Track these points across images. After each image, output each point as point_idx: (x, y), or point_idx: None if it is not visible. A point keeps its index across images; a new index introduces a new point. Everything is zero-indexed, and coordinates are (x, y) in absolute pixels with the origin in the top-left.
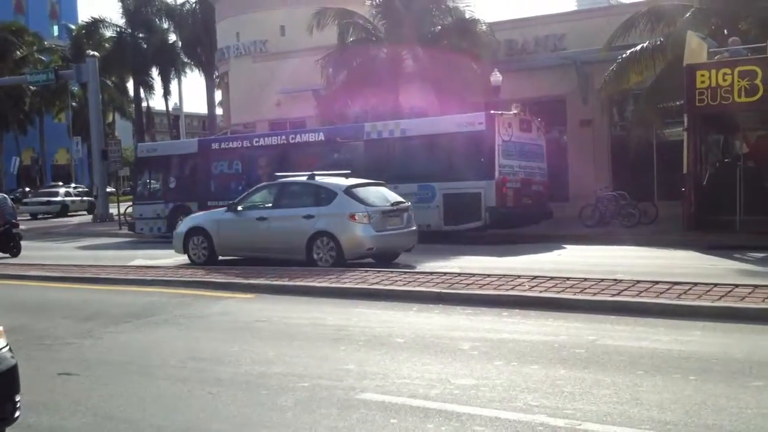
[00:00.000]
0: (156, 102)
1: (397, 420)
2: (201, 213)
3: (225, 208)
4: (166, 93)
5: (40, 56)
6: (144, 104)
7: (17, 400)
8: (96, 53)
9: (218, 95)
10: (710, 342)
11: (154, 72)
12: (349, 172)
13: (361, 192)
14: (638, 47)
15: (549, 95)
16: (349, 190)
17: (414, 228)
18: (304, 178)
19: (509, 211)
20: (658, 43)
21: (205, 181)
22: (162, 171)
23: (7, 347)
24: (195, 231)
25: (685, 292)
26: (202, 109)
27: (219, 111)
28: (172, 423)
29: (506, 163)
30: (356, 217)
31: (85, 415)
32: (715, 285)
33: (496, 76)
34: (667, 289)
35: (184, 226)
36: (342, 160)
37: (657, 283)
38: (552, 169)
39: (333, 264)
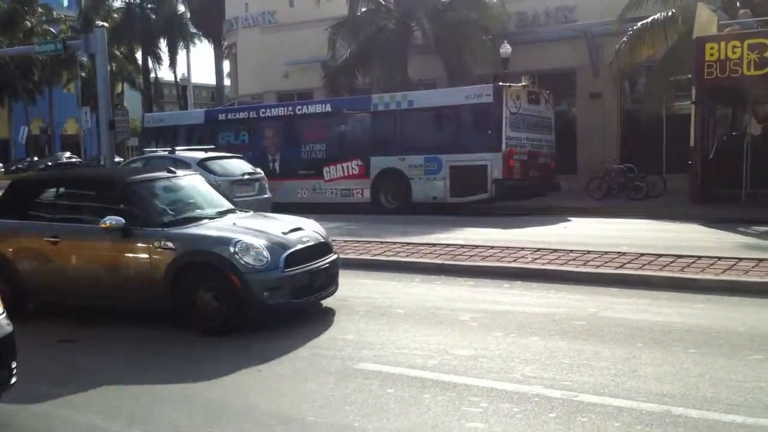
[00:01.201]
0: (164, 73)
1: (394, 390)
2: None
3: None
4: (174, 64)
5: (49, 27)
6: (152, 75)
7: (13, 366)
8: (105, 23)
9: (226, 66)
10: (712, 315)
11: (163, 43)
12: (213, 147)
13: (214, 164)
14: (650, 19)
15: (559, 68)
16: (202, 162)
17: (266, 196)
18: (166, 153)
19: (516, 183)
20: (670, 14)
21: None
22: (169, 141)
23: (4, 314)
24: None
25: (688, 265)
26: (211, 80)
27: (227, 82)
28: (169, 390)
29: (514, 135)
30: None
31: (81, 382)
32: (719, 258)
33: (506, 48)
34: (671, 262)
35: None
36: (348, 132)
37: (661, 256)
38: (560, 141)
39: None
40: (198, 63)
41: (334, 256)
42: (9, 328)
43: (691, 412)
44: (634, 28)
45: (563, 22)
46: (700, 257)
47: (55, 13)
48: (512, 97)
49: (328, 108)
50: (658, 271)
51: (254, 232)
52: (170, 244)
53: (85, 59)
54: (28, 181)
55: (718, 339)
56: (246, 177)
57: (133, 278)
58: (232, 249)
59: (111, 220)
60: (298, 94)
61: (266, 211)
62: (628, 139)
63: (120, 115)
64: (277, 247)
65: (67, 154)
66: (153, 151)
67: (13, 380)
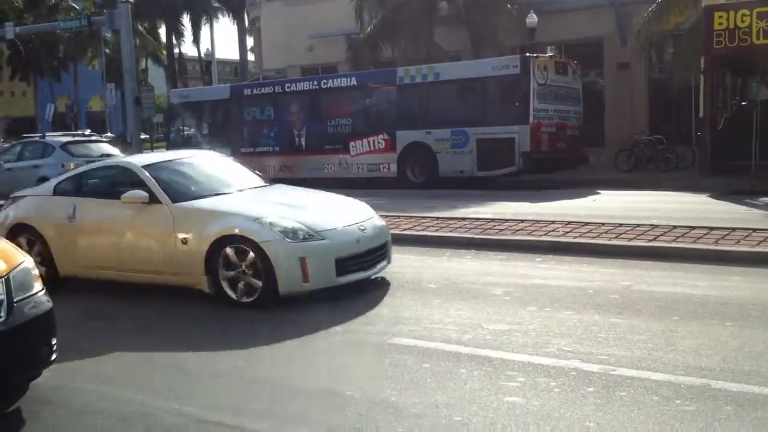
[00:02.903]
0: (188, 48)
1: (430, 364)
2: None
3: None
4: (198, 39)
5: (73, 3)
6: (176, 51)
7: (53, 343)
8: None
9: (250, 41)
10: (748, 288)
11: (186, 18)
12: (89, 131)
13: (76, 147)
14: None
15: (586, 37)
16: (64, 145)
17: None
18: (37, 137)
19: (543, 156)
20: None
21: (238, 128)
22: (195, 117)
23: (43, 291)
24: None
25: (722, 238)
26: (234, 55)
27: (251, 57)
28: (208, 368)
29: (541, 107)
30: (64, 165)
31: (121, 358)
32: (754, 230)
33: (532, 18)
34: (704, 235)
35: None
36: (374, 106)
37: (694, 228)
38: (588, 113)
39: None
40: (221, 38)
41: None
42: (49, 305)
43: (731, 386)
44: None
45: None
46: (734, 229)
47: None
48: (540, 68)
49: (353, 81)
50: (692, 243)
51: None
52: None
53: (109, 35)
54: None
55: (755, 311)
56: (104, 158)
57: None
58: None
59: None
60: (323, 68)
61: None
62: (657, 109)
63: (146, 91)
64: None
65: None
66: (30, 137)
67: (53, 357)
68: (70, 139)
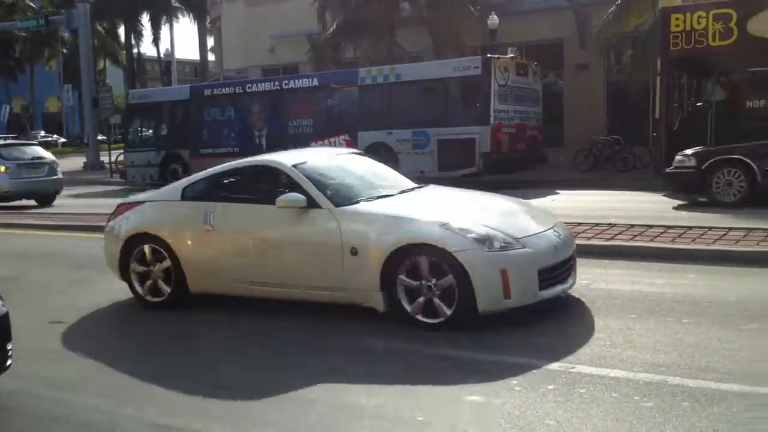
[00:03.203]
0: (147, 48)
1: None
2: None
3: None
4: (157, 39)
5: (30, 3)
6: (135, 51)
7: (9, 348)
8: None
9: (210, 41)
10: (704, 285)
11: (145, 18)
12: (15, 136)
13: (7, 150)
14: None
15: (546, 39)
16: None
17: (56, 177)
18: None
19: (504, 156)
20: None
21: (198, 128)
22: (153, 118)
23: None
24: None
25: (679, 236)
26: (194, 55)
27: (211, 57)
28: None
29: (502, 108)
30: None
31: (77, 363)
32: (709, 229)
33: (494, 19)
34: (661, 233)
35: None
36: (336, 106)
37: (651, 227)
38: (547, 113)
39: None
40: (181, 38)
41: None
42: (3, 310)
43: (688, 382)
44: None
45: None
46: (690, 228)
47: None
48: (501, 69)
49: (315, 82)
50: (649, 242)
51: None
52: None
53: (67, 35)
54: None
55: (711, 309)
56: (35, 161)
57: None
58: None
59: None
60: (284, 69)
61: (54, 190)
62: (615, 110)
63: (104, 91)
64: None
65: (42, 132)
66: None
67: (9, 362)
68: (2, 142)
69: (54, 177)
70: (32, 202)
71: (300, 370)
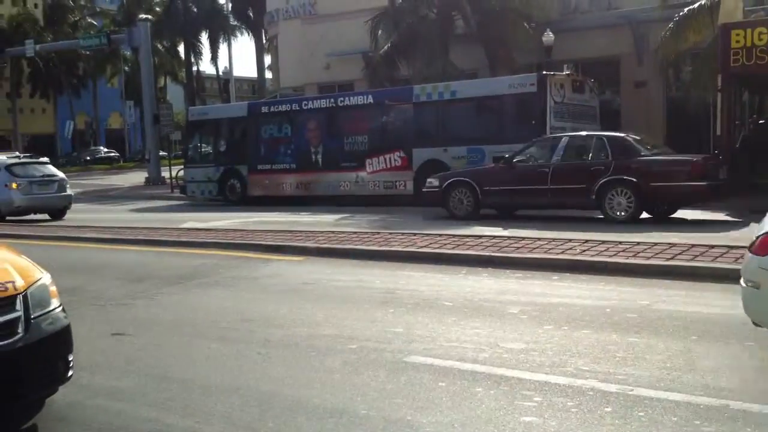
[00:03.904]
0: (206, 66)
1: (446, 383)
2: None
3: None
4: (216, 57)
5: (92, 21)
6: (194, 68)
7: (70, 359)
8: (149, 17)
9: (268, 59)
10: None
11: (204, 36)
12: (30, 155)
13: (18, 168)
14: (695, 5)
15: (603, 56)
16: (8, 167)
17: (66, 194)
18: None
19: None
20: (717, 0)
21: (255, 145)
22: (213, 134)
23: (61, 307)
24: None
25: (741, 257)
26: (252, 73)
27: (268, 75)
28: (222, 382)
29: (558, 125)
30: (7, 185)
31: (138, 375)
32: None
33: (549, 36)
34: (723, 254)
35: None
36: (390, 123)
37: (712, 247)
38: (605, 131)
39: None
40: (239, 56)
41: None
42: (66, 321)
43: (751, 407)
44: (680, 14)
45: (606, 9)
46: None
47: (98, 7)
48: (556, 86)
49: (370, 99)
50: (711, 262)
51: None
52: None
53: (128, 53)
54: None
55: None
56: (45, 178)
57: None
58: None
59: None
60: (339, 86)
61: (64, 206)
62: (675, 127)
63: (164, 108)
64: None
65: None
66: None
67: (70, 373)
68: (15, 161)
69: (63, 193)
70: (44, 216)
71: None
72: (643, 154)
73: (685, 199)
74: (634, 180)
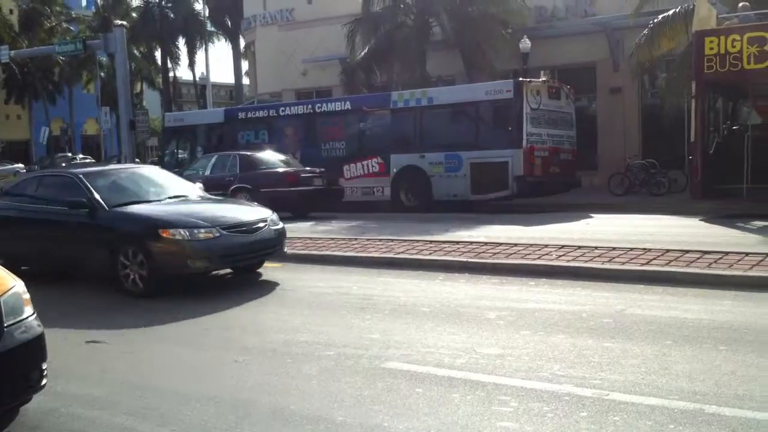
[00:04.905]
0: (183, 72)
1: (423, 389)
2: None
3: None
4: (193, 63)
5: (68, 26)
6: (171, 74)
7: (44, 368)
8: (124, 23)
9: (245, 65)
10: (741, 312)
11: (181, 42)
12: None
13: None
14: (670, 12)
15: (579, 62)
16: None
17: None
18: None
19: (537, 180)
20: (691, 7)
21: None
22: (190, 140)
23: (34, 315)
24: None
25: (715, 261)
26: (229, 78)
27: (246, 81)
28: (198, 390)
29: (534, 131)
30: None
31: (111, 383)
32: (746, 254)
33: (525, 43)
34: (697, 259)
35: None
36: (368, 129)
37: (687, 252)
38: (581, 137)
39: None
40: (217, 62)
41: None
42: (39, 330)
43: (724, 410)
44: (655, 21)
45: (583, 16)
46: (726, 253)
47: (73, 12)
48: (533, 92)
49: (347, 105)
50: (685, 267)
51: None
52: None
53: (104, 59)
54: None
55: (748, 336)
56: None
57: None
58: None
59: None
60: (317, 92)
61: None
62: (650, 133)
63: (140, 114)
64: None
65: (80, 155)
66: None
67: (44, 381)
68: None
69: None
70: None
71: None
72: (261, 168)
73: (284, 202)
74: (250, 187)
